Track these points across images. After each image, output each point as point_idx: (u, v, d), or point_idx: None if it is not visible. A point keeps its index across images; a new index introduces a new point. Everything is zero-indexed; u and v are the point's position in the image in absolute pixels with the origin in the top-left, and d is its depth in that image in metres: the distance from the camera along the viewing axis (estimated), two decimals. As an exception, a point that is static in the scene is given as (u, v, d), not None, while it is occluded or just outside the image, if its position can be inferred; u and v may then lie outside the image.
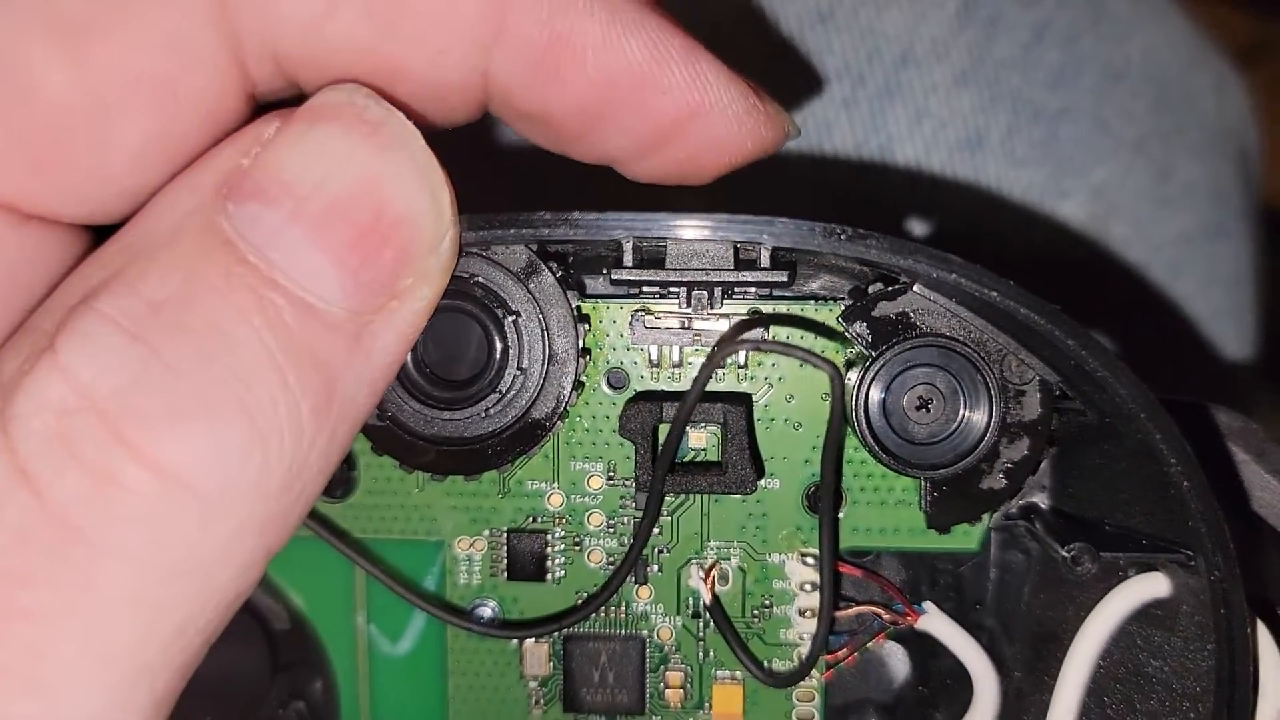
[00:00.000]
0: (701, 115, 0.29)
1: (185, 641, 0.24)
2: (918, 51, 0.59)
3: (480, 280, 0.32)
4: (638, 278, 0.33)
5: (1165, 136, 0.63)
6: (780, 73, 0.58)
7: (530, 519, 0.36)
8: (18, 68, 0.24)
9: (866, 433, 0.33)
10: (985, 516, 0.35)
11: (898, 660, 0.39)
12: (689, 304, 0.34)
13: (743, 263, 0.33)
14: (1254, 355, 0.66)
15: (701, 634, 0.37)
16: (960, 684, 0.37)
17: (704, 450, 0.36)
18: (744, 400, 0.35)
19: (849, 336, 0.33)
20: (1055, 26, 0.61)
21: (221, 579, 0.24)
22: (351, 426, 0.26)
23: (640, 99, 0.29)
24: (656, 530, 0.36)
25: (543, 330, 0.33)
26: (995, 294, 0.30)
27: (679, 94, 0.29)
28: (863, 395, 0.33)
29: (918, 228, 0.58)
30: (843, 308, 0.34)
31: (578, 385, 0.33)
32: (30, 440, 0.22)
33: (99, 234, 0.27)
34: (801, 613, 0.36)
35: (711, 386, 0.34)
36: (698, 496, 0.36)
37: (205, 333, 0.23)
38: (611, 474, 0.36)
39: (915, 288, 0.33)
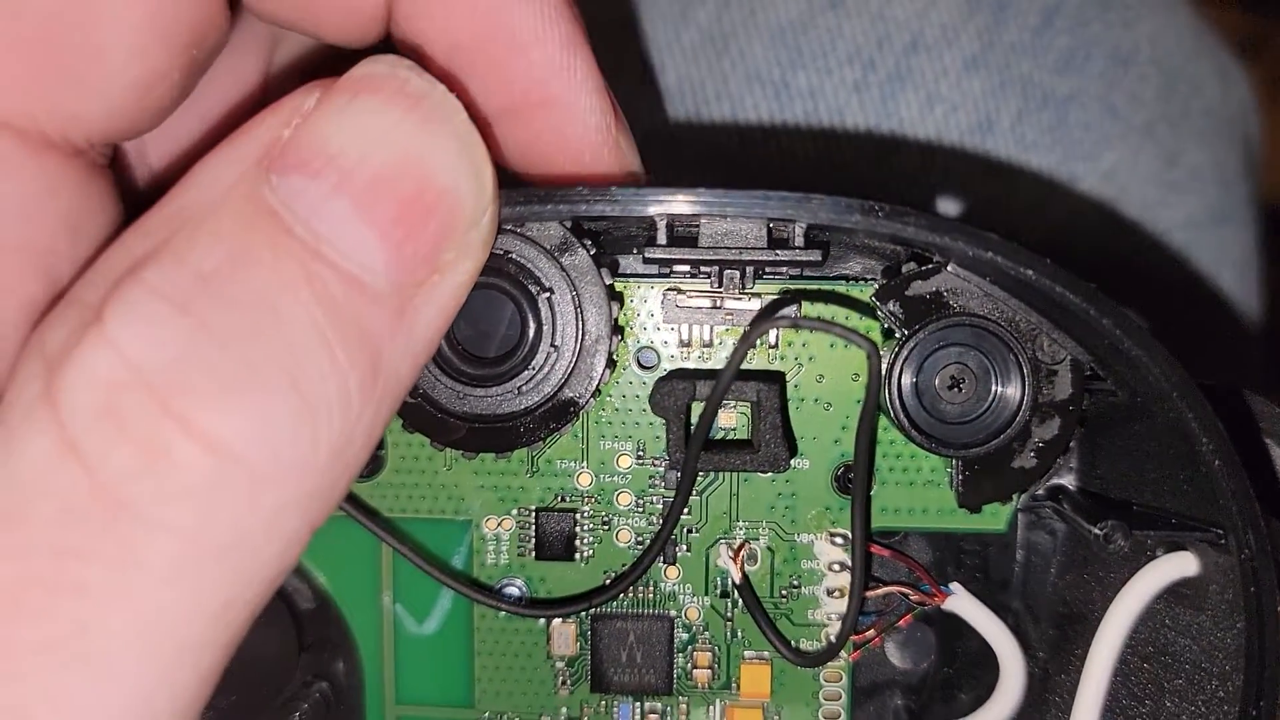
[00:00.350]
0: (552, 106, 0.30)
1: (230, 617, 0.24)
2: (927, 37, 0.59)
3: (514, 257, 0.32)
4: (671, 256, 0.33)
5: (1173, 122, 0.63)
6: (789, 59, 0.58)
7: (559, 498, 0.36)
8: None
9: (899, 412, 0.33)
10: (1015, 496, 0.35)
11: (924, 641, 0.39)
12: (720, 284, 0.34)
13: (776, 241, 0.33)
14: (1261, 340, 0.66)
15: (730, 614, 0.37)
16: (986, 665, 0.37)
17: (734, 429, 0.36)
18: (777, 379, 0.35)
19: (881, 316, 0.33)
20: (1064, 11, 0.61)
21: (267, 554, 0.24)
22: (395, 400, 0.26)
23: (506, 61, 0.29)
24: (685, 510, 0.36)
25: (576, 308, 0.32)
26: (1032, 272, 0.30)
27: (539, 73, 0.30)
28: (895, 374, 0.33)
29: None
30: (875, 287, 0.34)
31: (611, 363, 0.33)
32: (80, 414, 0.22)
33: (132, 211, 0.27)
34: (830, 593, 0.36)
35: (743, 365, 0.34)
36: (727, 476, 0.36)
37: (253, 305, 0.23)
38: (641, 453, 0.36)
39: (949, 267, 0.33)
